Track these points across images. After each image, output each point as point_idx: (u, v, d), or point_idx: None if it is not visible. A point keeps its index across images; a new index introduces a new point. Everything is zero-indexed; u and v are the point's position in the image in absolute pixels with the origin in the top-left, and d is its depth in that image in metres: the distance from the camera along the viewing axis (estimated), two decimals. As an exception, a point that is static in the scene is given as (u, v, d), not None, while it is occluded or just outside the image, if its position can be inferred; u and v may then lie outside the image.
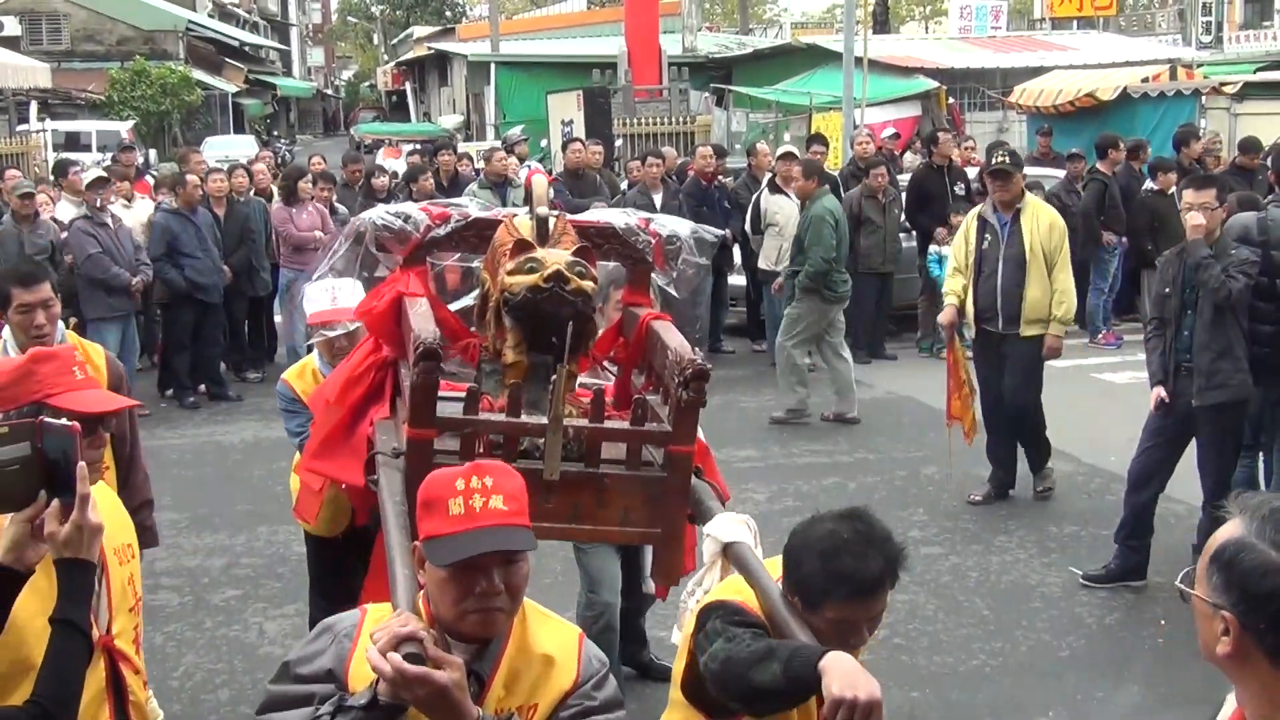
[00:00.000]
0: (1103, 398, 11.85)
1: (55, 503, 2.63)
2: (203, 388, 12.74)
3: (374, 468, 3.59)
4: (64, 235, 11.77)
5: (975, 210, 9.27)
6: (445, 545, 2.64)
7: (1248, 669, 2.24)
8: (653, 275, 4.13)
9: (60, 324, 5.42)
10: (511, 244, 3.57)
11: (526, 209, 3.89)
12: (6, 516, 2.65)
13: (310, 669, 2.75)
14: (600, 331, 4.03)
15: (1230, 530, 2.28)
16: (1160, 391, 7.32)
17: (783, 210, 13.22)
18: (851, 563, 3.03)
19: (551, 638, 2.87)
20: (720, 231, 4.49)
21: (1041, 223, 8.72)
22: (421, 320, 3.59)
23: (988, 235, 8.88)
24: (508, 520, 2.67)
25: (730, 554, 3.35)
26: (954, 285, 9.07)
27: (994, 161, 9.09)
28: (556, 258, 3.47)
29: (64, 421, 2.69)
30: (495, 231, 3.83)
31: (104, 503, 3.26)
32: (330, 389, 4.07)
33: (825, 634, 3.03)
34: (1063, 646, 6.84)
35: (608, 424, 3.54)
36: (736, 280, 14.79)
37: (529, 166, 15.04)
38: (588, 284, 3.48)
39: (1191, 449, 7.47)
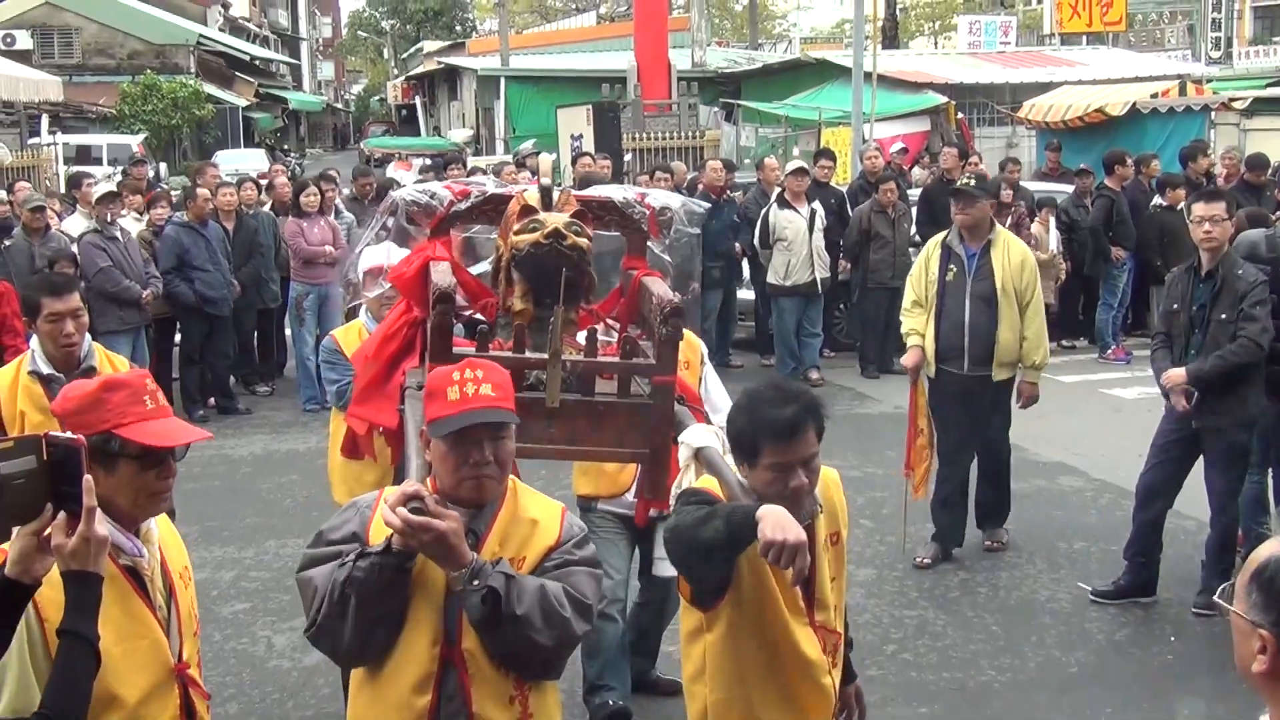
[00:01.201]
0: (1112, 413, 11.84)
1: (61, 515, 2.66)
2: (211, 400, 12.77)
3: (404, 400, 4.08)
4: (74, 248, 11.80)
5: (938, 237, 8.41)
6: (444, 422, 3.26)
7: None
8: (649, 243, 4.52)
9: (88, 335, 5.45)
10: (519, 210, 4.06)
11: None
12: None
13: (339, 534, 3.37)
14: (595, 288, 4.40)
15: (1272, 548, 2.26)
16: (1175, 375, 7.19)
17: (792, 225, 13.25)
18: (771, 410, 3.49)
19: (538, 507, 3.49)
20: (706, 205, 4.85)
21: (1013, 258, 8.05)
22: (440, 275, 4.08)
23: (952, 266, 8.17)
24: (495, 403, 3.29)
25: (700, 456, 3.78)
26: (914, 322, 8.26)
27: (959, 181, 8.60)
28: (556, 218, 3.95)
29: (69, 435, 2.71)
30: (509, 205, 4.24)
31: (163, 529, 3.37)
32: (369, 346, 4.53)
33: (768, 485, 3.47)
34: (1072, 662, 6.82)
35: (600, 359, 3.99)
36: (745, 295, 14.80)
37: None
38: (583, 240, 3.95)
39: (1199, 465, 7.46)
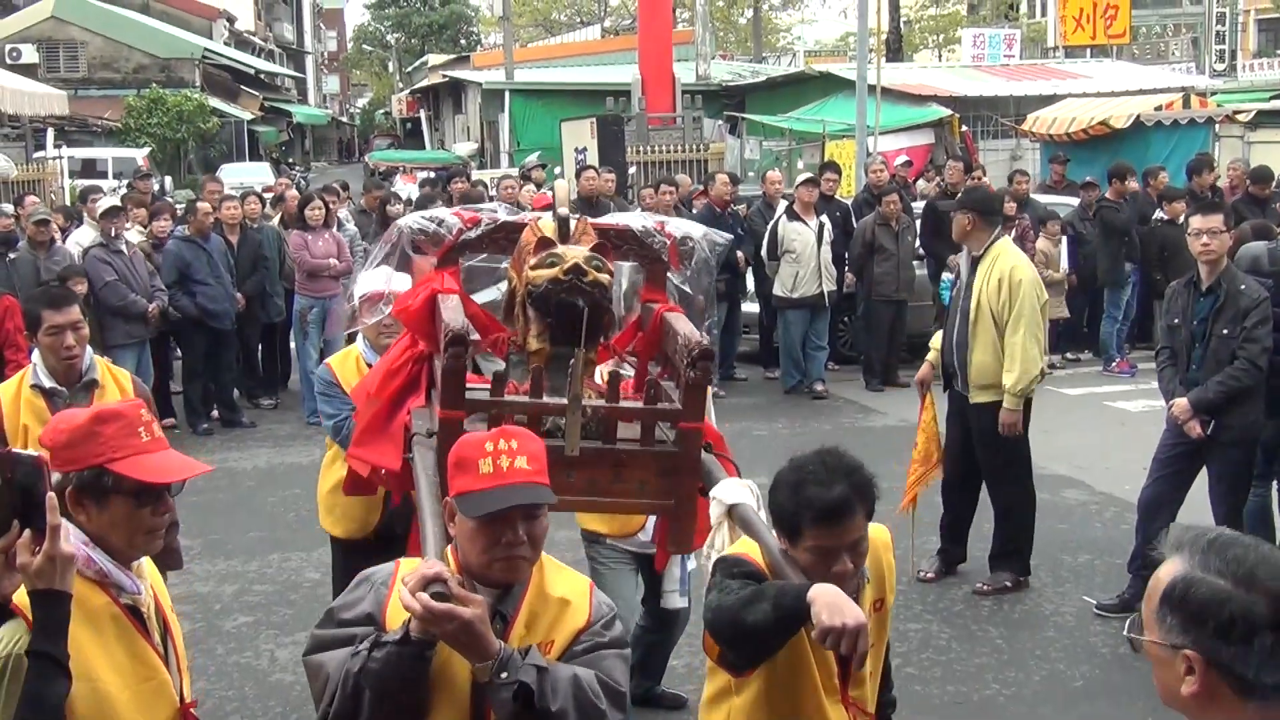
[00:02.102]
0: (1117, 426, 11.81)
1: (26, 533, 2.64)
2: (215, 413, 12.79)
3: (410, 448, 3.86)
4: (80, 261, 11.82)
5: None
6: (476, 499, 2.98)
7: (1214, 707, 2.21)
8: (669, 274, 4.33)
9: (89, 349, 5.45)
10: (535, 242, 3.82)
11: (550, 212, 4.11)
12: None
13: (351, 614, 3.08)
14: (621, 324, 4.27)
15: (1172, 569, 2.26)
16: (1181, 406, 7.16)
17: (800, 237, 13.27)
18: (816, 489, 3.25)
19: (566, 584, 3.22)
20: (727, 235, 4.72)
21: (993, 276, 7.69)
22: (451, 312, 3.85)
23: (959, 281, 8.13)
24: (531, 478, 3.01)
25: (734, 514, 3.58)
26: (935, 338, 8.30)
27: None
28: (575, 253, 3.71)
29: (31, 453, 2.70)
30: (522, 233, 4.05)
31: (149, 568, 3.29)
32: (371, 382, 4.34)
33: (811, 567, 3.24)
34: (1076, 676, 6.80)
35: (623, 404, 3.78)
36: (750, 308, 14.80)
37: (546, 192, 15.08)
38: (604, 276, 3.72)
39: (1202, 478, 7.44)
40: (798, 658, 3.37)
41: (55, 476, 3.09)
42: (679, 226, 4.40)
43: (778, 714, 3.42)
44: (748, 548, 3.46)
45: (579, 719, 2.96)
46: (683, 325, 3.95)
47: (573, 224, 4.00)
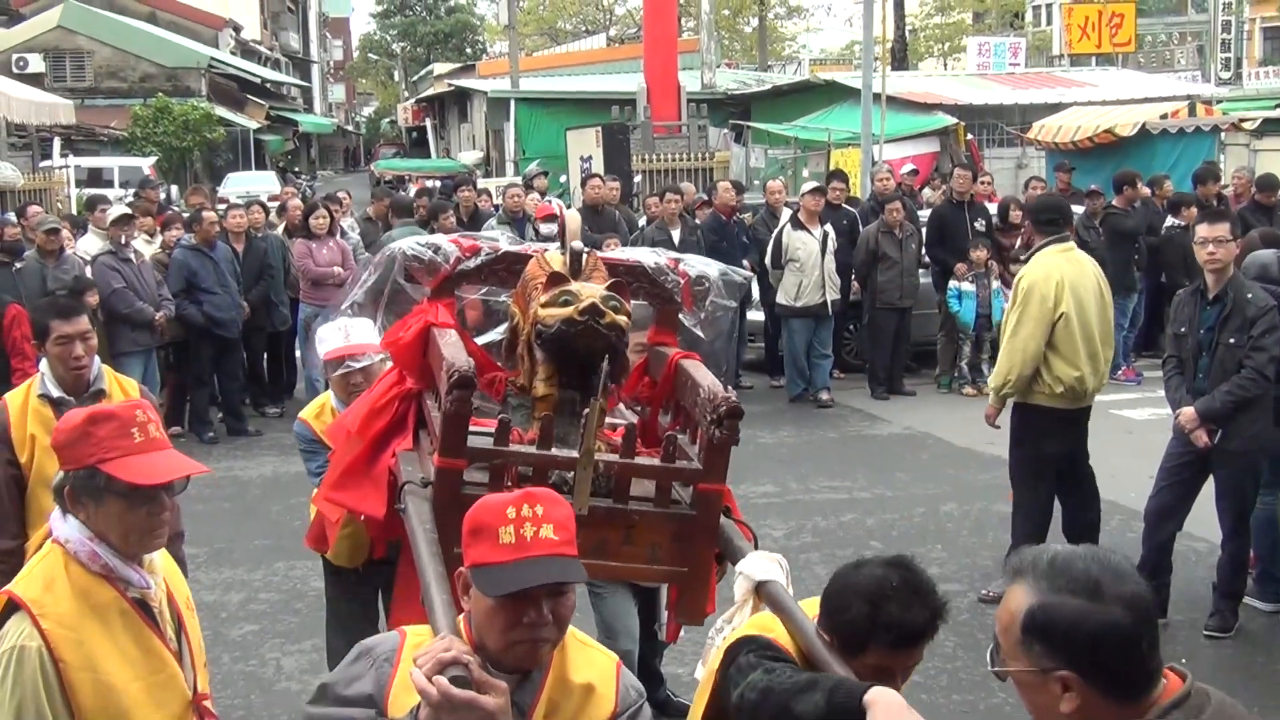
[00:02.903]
0: (1122, 435, 11.79)
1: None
2: (220, 418, 12.80)
3: (401, 498, 3.55)
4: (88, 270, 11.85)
5: None
6: (496, 574, 2.59)
7: (1094, 718, 2.31)
8: (680, 315, 4.09)
9: (96, 358, 5.45)
10: (545, 277, 3.56)
11: (558, 244, 3.92)
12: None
13: (350, 691, 2.74)
14: (629, 369, 4.00)
15: (1020, 598, 2.36)
16: (1188, 415, 7.14)
17: (805, 246, 13.27)
18: (898, 611, 3.03)
19: (590, 667, 2.86)
20: (747, 273, 4.48)
21: (1018, 283, 7.95)
22: (454, 350, 3.54)
23: None
24: (558, 550, 2.62)
25: (764, 593, 3.32)
26: None
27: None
28: (591, 291, 3.46)
29: None
30: (525, 266, 3.81)
31: (165, 564, 3.32)
32: (352, 420, 4.03)
33: (862, 679, 2.98)
34: (1083, 685, 6.77)
35: (638, 460, 3.50)
36: (755, 316, 14.80)
37: (549, 200, 15.09)
38: (622, 318, 3.46)
39: (1209, 486, 7.43)
40: None
41: (58, 475, 3.13)
42: (694, 265, 4.13)
43: None
44: (766, 629, 3.23)
45: None
46: (704, 376, 3.68)
47: (584, 258, 3.73)
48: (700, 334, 4.08)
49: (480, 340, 4.14)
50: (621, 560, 3.49)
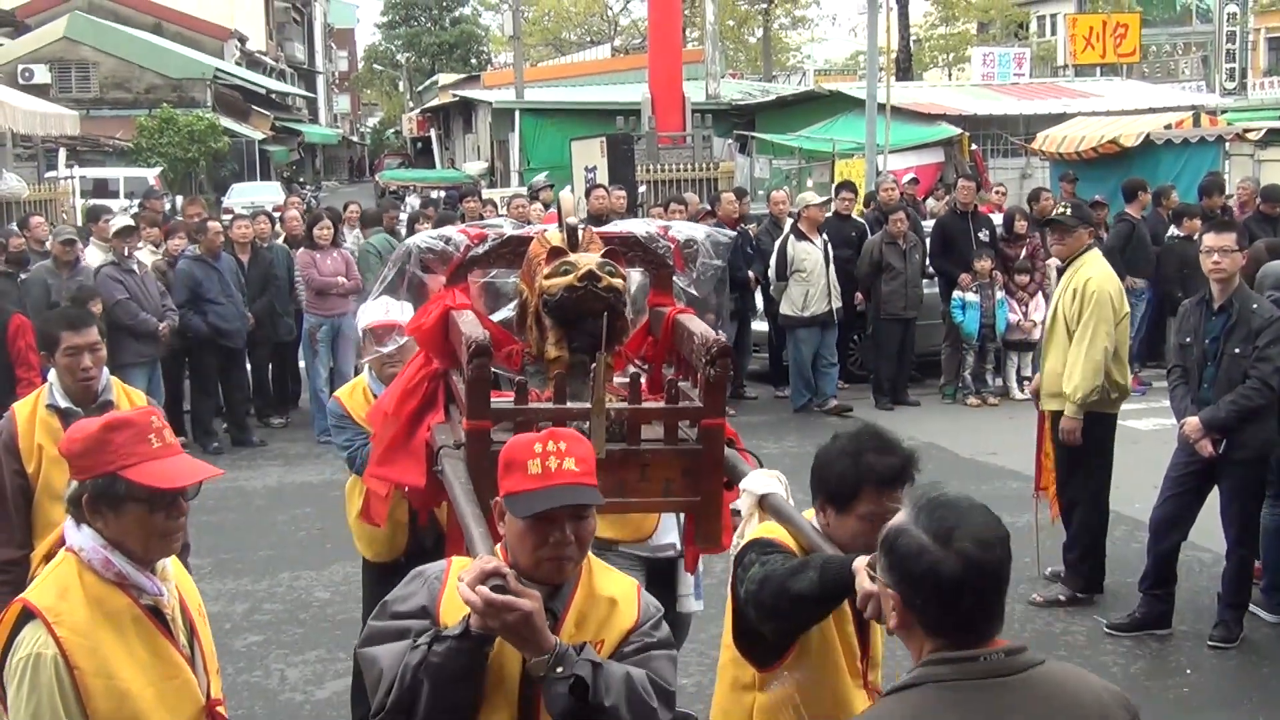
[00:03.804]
0: (1127, 444, 11.74)
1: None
2: (224, 429, 12.82)
3: (438, 461, 3.91)
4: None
5: None
6: (525, 500, 2.99)
7: (911, 639, 2.60)
8: (674, 277, 4.40)
9: (105, 369, 5.47)
10: (546, 252, 3.87)
11: (556, 225, 4.18)
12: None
13: (406, 606, 3.10)
14: (631, 330, 4.29)
15: (897, 518, 2.62)
16: (1193, 425, 7.16)
17: (810, 256, 13.29)
18: (876, 457, 3.48)
19: (614, 585, 3.25)
20: (731, 234, 4.74)
21: (1070, 286, 7.85)
22: (470, 325, 3.89)
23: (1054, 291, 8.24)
24: (579, 479, 3.02)
25: (766, 504, 3.67)
26: None
27: (1054, 212, 8.30)
28: (588, 259, 3.77)
29: None
30: (529, 247, 4.10)
31: (177, 571, 3.37)
32: (388, 402, 4.36)
33: (860, 535, 3.39)
34: (1088, 696, 6.76)
35: (645, 405, 3.83)
36: (759, 326, 14.81)
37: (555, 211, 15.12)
38: (618, 281, 3.77)
39: (1214, 496, 7.42)
40: (828, 646, 3.56)
41: (72, 484, 3.14)
42: (682, 230, 4.47)
43: (806, 700, 3.54)
44: (774, 533, 3.56)
45: (630, 716, 2.98)
46: (697, 325, 4.02)
47: (580, 233, 4.06)
48: (694, 292, 4.41)
49: (495, 317, 4.41)
50: (640, 496, 3.84)
